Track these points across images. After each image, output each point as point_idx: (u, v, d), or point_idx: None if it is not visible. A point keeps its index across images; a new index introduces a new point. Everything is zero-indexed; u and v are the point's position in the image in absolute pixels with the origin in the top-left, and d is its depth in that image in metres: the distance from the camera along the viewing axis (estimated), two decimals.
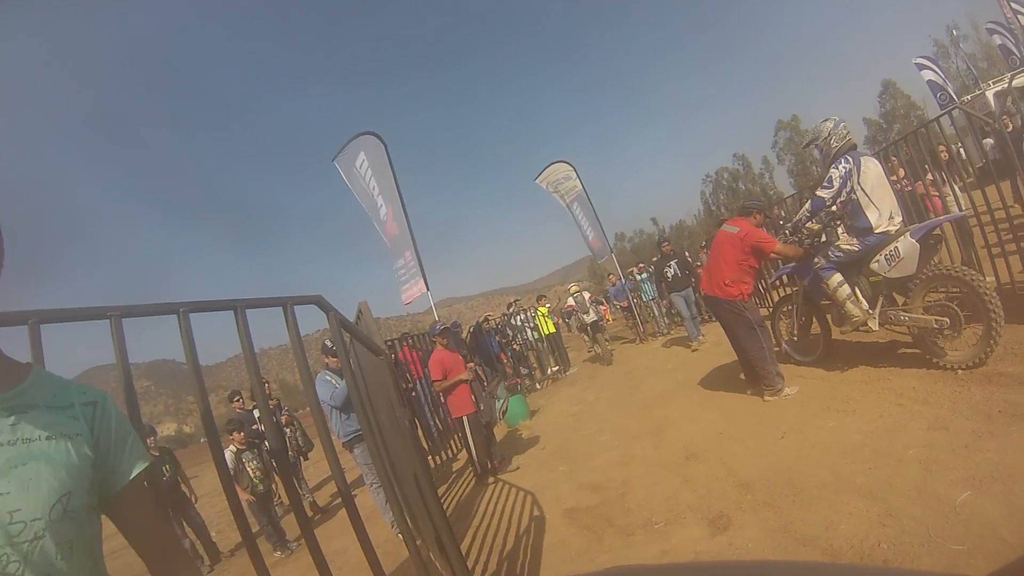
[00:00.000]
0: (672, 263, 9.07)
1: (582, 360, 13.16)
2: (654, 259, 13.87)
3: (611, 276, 13.76)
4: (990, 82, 13.53)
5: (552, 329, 12.29)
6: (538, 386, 11.12)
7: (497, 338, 11.11)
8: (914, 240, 3.99)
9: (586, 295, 12.21)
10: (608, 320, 17.27)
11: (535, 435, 6.72)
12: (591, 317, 11.67)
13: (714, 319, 7.23)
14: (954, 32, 44.99)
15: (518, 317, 12.24)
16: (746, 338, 4.77)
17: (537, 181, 14.69)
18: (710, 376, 6.50)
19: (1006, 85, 6.15)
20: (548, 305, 12.62)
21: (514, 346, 11.46)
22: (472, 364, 5.86)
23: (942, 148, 6.48)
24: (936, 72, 16.74)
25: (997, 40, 16.63)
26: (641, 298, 12.88)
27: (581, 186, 13.84)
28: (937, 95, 16.34)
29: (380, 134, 8.53)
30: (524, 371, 11.36)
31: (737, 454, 3.87)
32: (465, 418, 5.28)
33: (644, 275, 12.67)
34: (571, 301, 12.21)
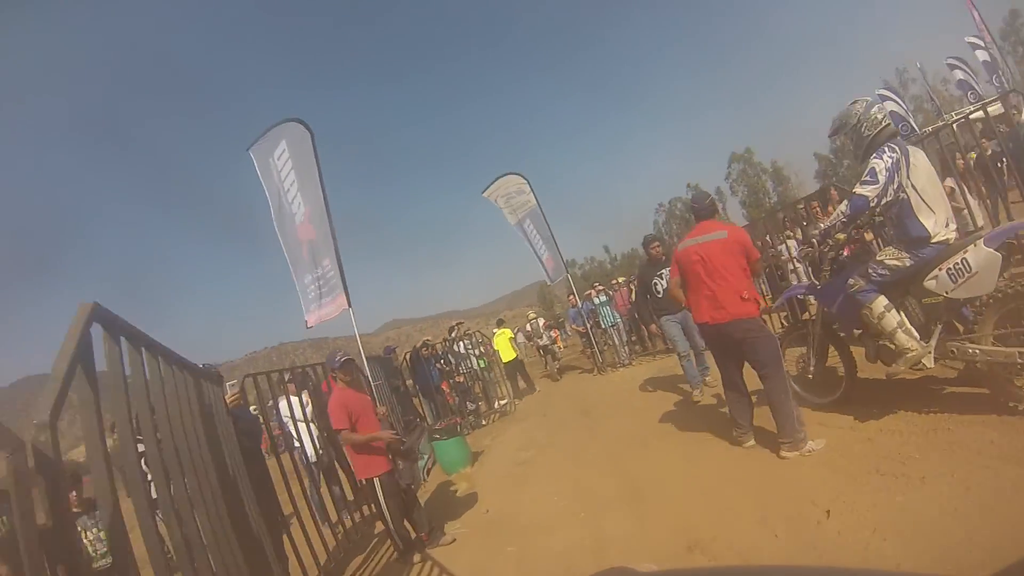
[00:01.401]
0: (663, 272, 6.14)
1: (534, 384, 12.34)
2: (622, 279, 12.94)
3: (571, 297, 12.61)
4: (952, 113, 13.55)
5: (513, 354, 11.69)
6: (483, 422, 9.74)
7: (438, 366, 9.74)
8: (991, 249, 2.96)
9: (541, 321, 13.49)
10: (559, 346, 16.73)
11: (475, 491, 5.35)
12: (544, 341, 13.16)
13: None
14: (907, 71, 47.50)
15: (462, 343, 10.86)
16: (771, 369, 3.64)
17: (485, 195, 13.49)
18: (688, 416, 5.33)
19: (981, 115, 5.87)
20: (511, 329, 12.80)
21: (457, 377, 10.02)
22: (383, 409, 4.38)
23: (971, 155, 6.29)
24: (898, 103, 16.80)
25: (959, 75, 16.85)
26: (599, 324, 11.79)
27: (535, 201, 12.74)
28: (899, 125, 16.40)
29: (307, 123, 7.14)
30: (470, 405, 9.92)
31: (765, 546, 2.63)
32: (377, 480, 3.86)
33: (603, 298, 11.58)
34: (528, 327, 13.31)
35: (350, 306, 6.22)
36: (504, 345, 11.84)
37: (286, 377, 5.44)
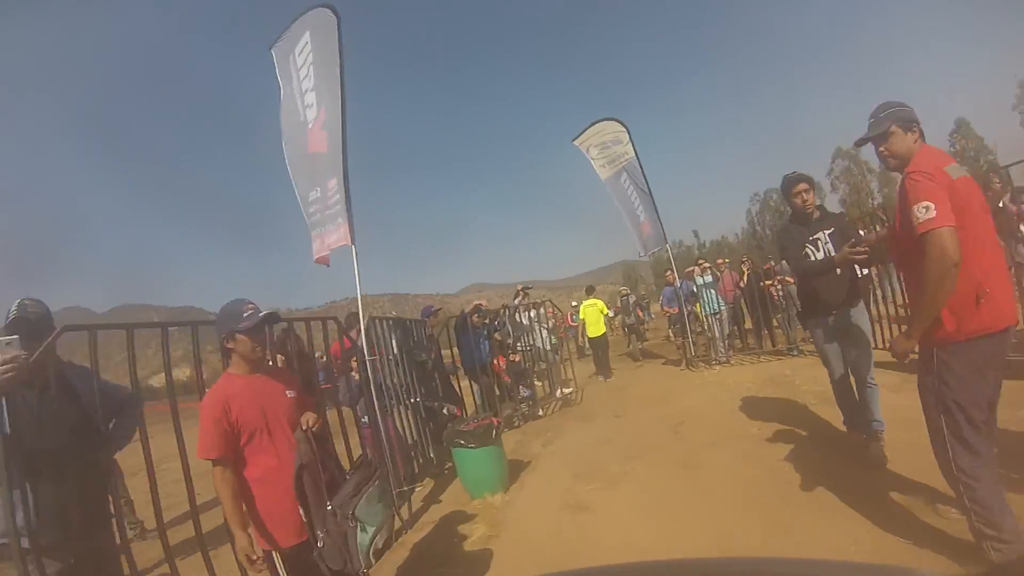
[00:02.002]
0: (820, 236, 3.48)
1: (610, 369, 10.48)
2: (727, 261, 10.87)
3: (668, 273, 10.25)
4: None
5: (601, 330, 10.44)
6: (540, 413, 7.81)
7: (496, 337, 7.86)
8: None
9: (632, 299, 13.07)
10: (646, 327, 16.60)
11: (492, 545, 3.44)
12: (631, 320, 12.70)
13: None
14: None
15: (528, 313, 8.85)
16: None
17: (576, 143, 11.29)
18: (855, 481, 3.11)
19: None
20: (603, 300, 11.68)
21: (513, 356, 8.03)
22: (312, 421, 2.30)
23: None
24: None
25: None
26: (700, 311, 9.44)
27: (634, 152, 10.37)
28: None
29: (337, 8, 5.31)
30: (523, 391, 7.94)
31: None
32: (277, 556, 2.03)
33: (707, 278, 9.13)
34: (619, 303, 13.51)
35: (353, 242, 4.42)
36: (595, 318, 10.37)
37: None
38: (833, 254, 3.29)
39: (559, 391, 8.45)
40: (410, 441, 5.31)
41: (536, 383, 8.26)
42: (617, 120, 10.79)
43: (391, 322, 5.69)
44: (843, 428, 3.76)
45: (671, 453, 4.50)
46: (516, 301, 9.12)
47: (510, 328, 8.29)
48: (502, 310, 8.59)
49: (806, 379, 5.82)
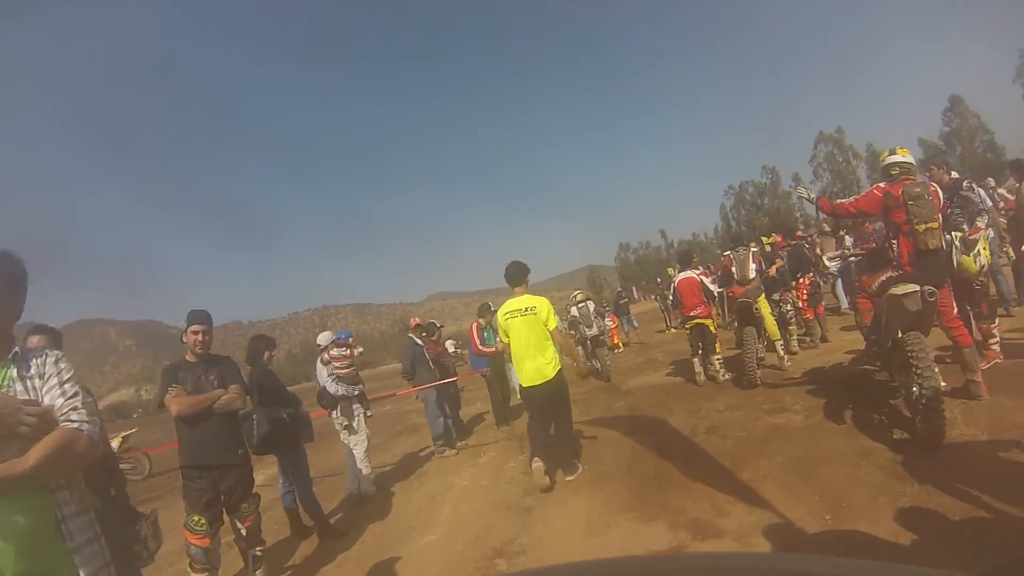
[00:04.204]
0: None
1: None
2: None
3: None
4: None
5: (549, 368, 7.43)
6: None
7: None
8: None
9: (591, 305, 10.12)
10: (616, 343, 14.55)
11: None
12: (593, 331, 9.80)
13: None
14: None
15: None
16: None
17: None
18: None
19: None
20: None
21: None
22: None
23: None
24: None
25: None
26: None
27: None
28: None
29: None
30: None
31: None
32: None
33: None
34: (575, 311, 10.00)
35: None
36: (526, 336, 5.62)
37: None
38: None
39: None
40: None
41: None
42: None
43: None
44: None
45: None
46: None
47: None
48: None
49: None
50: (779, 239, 8.26)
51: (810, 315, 7.63)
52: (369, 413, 5.76)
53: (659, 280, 19.88)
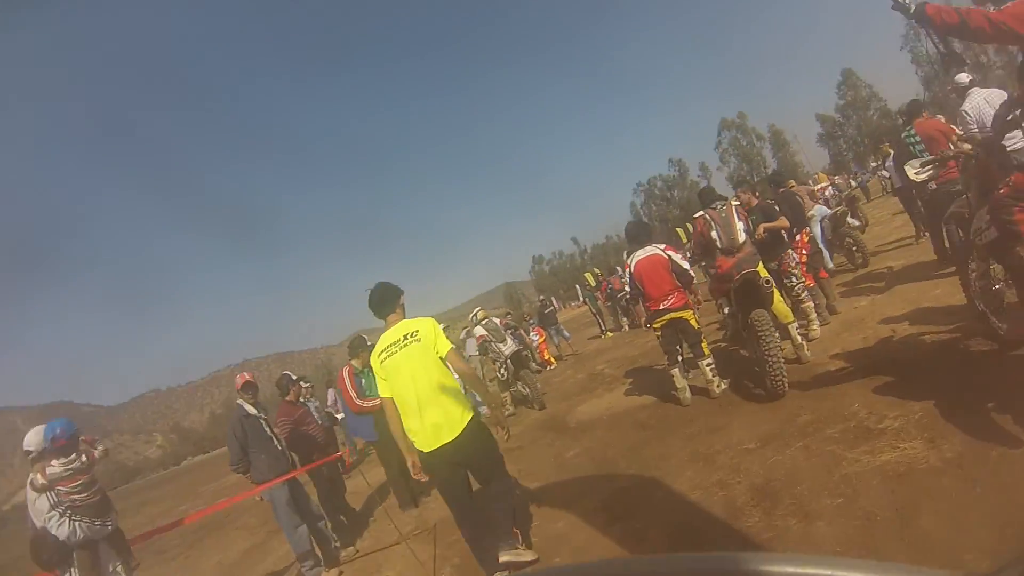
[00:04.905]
0: None
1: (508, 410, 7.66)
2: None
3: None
4: None
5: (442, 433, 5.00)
6: None
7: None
8: None
9: (496, 319, 8.63)
10: (548, 359, 12.33)
11: None
12: (509, 347, 7.89)
13: None
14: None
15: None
16: None
17: None
18: None
19: None
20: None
21: None
22: None
23: None
24: None
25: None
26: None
27: None
28: None
29: None
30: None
31: None
32: None
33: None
34: (479, 331, 8.18)
35: None
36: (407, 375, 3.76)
37: None
38: None
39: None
40: None
41: None
42: None
43: None
44: None
45: None
46: None
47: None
48: None
49: None
50: (751, 197, 5.63)
51: (811, 282, 5.72)
52: (136, 566, 3.24)
53: (585, 285, 18.08)
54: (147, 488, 41.40)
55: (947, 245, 5.51)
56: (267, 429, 4.48)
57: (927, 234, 7.70)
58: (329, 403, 9.12)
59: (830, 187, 17.21)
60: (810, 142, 52.24)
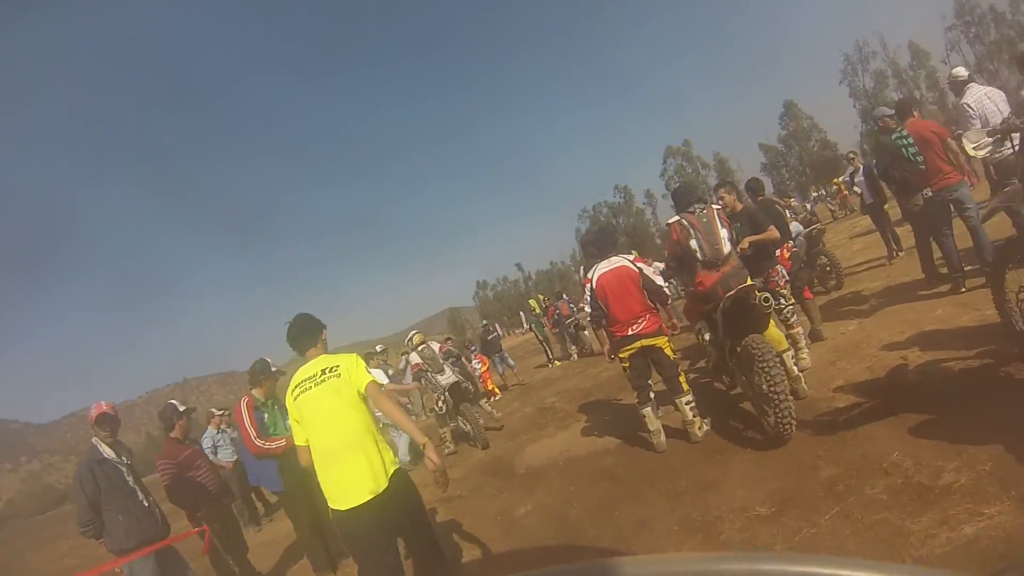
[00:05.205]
0: None
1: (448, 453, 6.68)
2: None
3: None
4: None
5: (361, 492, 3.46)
6: None
7: None
8: None
9: (435, 345, 7.41)
10: (493, 390, 10.72)
11: None
12: (448, 378, 6.82)
13: None
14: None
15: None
16: None
17: None
18: None
19: None
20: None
21: None
22: None
23: None
24: None
25: None
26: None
27: None
28: None
29: None
30: None
31: None
32: None
33: None
34: (415, 359, 7.10)
35: None
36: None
37: None
38: None
39: None
40: None
41: None
42: None
43: None
44: None
45: None
46: None
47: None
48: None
49: None
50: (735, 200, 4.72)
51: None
52: None
53: (530, 311, 16.89)
54: (68, 517, 37.37)
55: (949, 259, 4.98)
56: (128, 479, 3.32)
57: (900, 254, 7.30)
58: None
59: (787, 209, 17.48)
60: (754, 171, 54.70)
